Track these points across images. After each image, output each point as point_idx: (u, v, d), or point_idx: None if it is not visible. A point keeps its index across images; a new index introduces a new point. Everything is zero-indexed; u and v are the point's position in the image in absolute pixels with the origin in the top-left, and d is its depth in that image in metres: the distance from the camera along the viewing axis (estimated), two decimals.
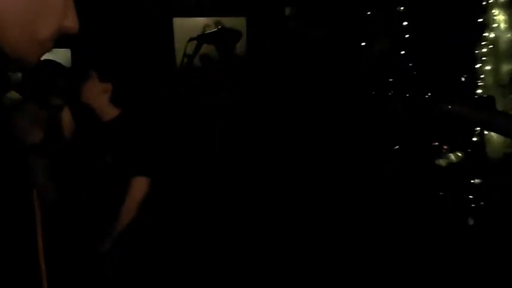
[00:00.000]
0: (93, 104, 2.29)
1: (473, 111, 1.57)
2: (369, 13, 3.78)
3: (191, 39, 3.35)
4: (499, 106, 3.46)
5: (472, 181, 3.34)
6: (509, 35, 3.51)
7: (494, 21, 3.54)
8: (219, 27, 3.58)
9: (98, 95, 2.28)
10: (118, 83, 2.42)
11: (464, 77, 3.52)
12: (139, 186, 2.18)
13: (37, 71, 2.36)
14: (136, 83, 3.33)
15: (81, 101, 2.28)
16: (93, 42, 4.05)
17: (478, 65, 3.57)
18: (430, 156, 3.27)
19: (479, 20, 3.57)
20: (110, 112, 2.31)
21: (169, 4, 4.06)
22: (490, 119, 1.88)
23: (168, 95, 3.68)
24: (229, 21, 4.06)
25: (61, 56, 4.11)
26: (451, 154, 3.26)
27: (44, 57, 0.74)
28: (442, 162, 3.32)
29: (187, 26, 4.08)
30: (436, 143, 3.18)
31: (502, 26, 3.53)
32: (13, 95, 2.64)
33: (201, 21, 4.10)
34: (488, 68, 3.55)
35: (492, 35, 3.54)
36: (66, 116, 2.47)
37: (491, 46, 3.55)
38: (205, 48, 3.77)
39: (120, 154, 2.19)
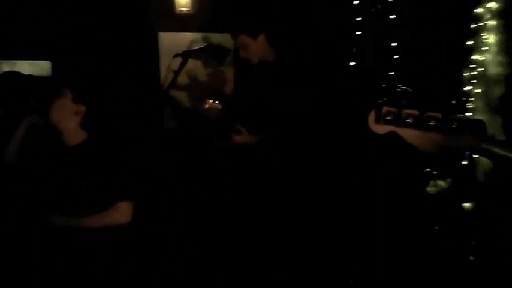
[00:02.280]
0: (61, 126, 2.14)
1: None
2: (358, 33, 3.74)
3: (176, 55, 3.25)
4: (489, 130, 3.43)
5: (462, 206, 3.29)
6: (498, 59, 3.49)
7: (483, 44, 3.52)
8: (206, 43, 3.49)
9: (69, 116, 2.14)
10: (93, 104, 2.30)
11: (454, 100, 3.47)
12: (121, 212, 2.07)
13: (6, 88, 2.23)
14: (116, 102, 3.23)
15: (49, 121, 2.13)
16: (73, 55, 3.93)
17: (467, 88, 3.54)
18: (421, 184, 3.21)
19: (468, 43, 3.55)
20: (77, 136, 2.15)
21: (154, 18, 3.96)
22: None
23: (154, 113, 3.57)
24: (217, 38, 3.97)
25: (41, 68, 3.97)
26: (440, 180, 3.21)
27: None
28: (431, 189, 3.26)
29: (174, 41, 3.98)
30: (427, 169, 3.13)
31: (492, 49, 3.51)
32: None
33: (188, 36, 4.00)
34: (477, 91, 3.52)
35: (482, 58, 3.52)
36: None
37: (481, 69, 3.53)
38: (192, 64, 3.67)
39: (96, 181, 2.06)
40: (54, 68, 3.95)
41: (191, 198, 3.05)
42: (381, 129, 1.20)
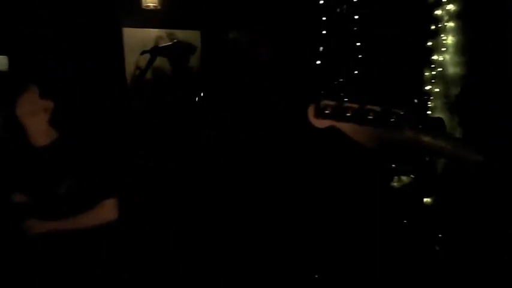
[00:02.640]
0: (29, 124, 1.98)
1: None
2: (324, 32, 3.80)
3: (144, 52, 3.19)
4: (447, 128, 3.59)
5: (424, 200, 3.42)
6: (456, 59, 3.65)
7: (442, 45, 3.67)
8: (175, 40, 3.46)
9: (37, 113, 1.99)
10: (61, 100, 2.16)
11: (416, 99, 3.61)
12: (107, 210, 2.00)
13: None
14: (82, 100, 3.13)
15: (13, 119, 1.97)
16: (33, 50, 3.79)
17: (428, 87, 3.68)
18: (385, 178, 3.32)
19: (428, 44, 3.70)
20: (46, 135, 2.02)
21: (118, 14, 3.88)
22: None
23: (119, 110, 3.49)
24: (183, 34, 3.93)
25: None
26: (403, 176, 3.33)
27: None
28: (395, 184, 3.38)
29: (139, 38, 3.91)
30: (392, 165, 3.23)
31: (450, 50, 3.67)
32: None
33: (153, 32, 3.94)
34: (437, 90, 3.67)
35: (441, 58, 3.67)
36: None
37: (440, 69, 3.68)
38: (158, 61, 3.62)
39: (77, 181, 1.99)
40: (11, 62, 3.79)
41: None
42: (321, 123, 1.18)
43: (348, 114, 1.16)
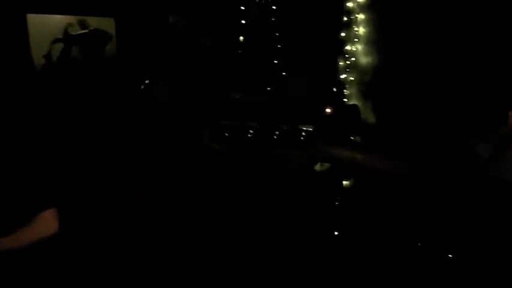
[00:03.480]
0: None
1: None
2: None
3: (57, 41, 2.95)
4: (362, 114, 3.83)
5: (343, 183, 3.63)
6: (367, 49, 3.89)
7: (355, 36, 3.89)
8: (91, 28, 3.24)
9: None
10: None
11: (335, 88, 3.79)
12: (46, 222, 1.77)
13: None
14: None
15: None
16: None
17: (343, 76, 3.89)
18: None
19: (342, 35, 3.89)
20: None
21: None
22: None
23: (27, 101, 3.19)
24: (95, 21, 3.70)
25: None
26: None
27: None
28: (317, 168, 3.53)
29: (46, 25, 3.60)
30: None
31: (361, 40, 3.90)
32: None
33: (61, 19, 3.65)
34: (351, 78, 3.89)
35: (354, 48, 3.89)
36: None
37: (353, 59, 3.90)
38: (73, 49, 3.38)
39: (10, 192, 1.73)
40: None
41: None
42: None
43: None
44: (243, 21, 3.86)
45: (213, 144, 3.23)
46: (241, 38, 3.74)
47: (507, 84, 3.50)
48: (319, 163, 3.49)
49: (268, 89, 4.00)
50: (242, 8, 3.87)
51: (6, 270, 1.73)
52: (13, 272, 1.74)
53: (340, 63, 3.92)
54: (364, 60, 3.91)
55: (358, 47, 3.91)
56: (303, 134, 3.43)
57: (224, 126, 3.37)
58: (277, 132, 3.44)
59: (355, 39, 3.89)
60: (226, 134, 3.33)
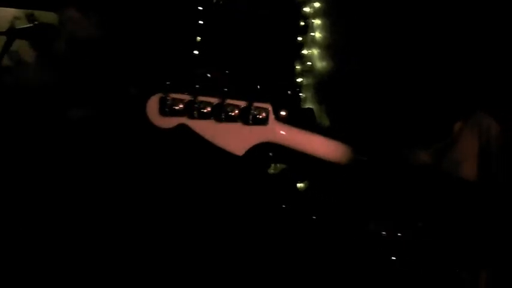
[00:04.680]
0: None
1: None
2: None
3: None
4: (316, 117, 3.86)
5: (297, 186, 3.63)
6: (323, 54, 3.93)
7: (311, 40, 3.92)
8: (36, 22, 3.11)
9: None
10: None
11: (289, 91, 3.80)
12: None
13: None
14: None
15: None
16: None
17: (299, 80, 3.91)
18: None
19: (298, 39, 3.92)
20: None
21: None
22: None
23: None
24: (45, 16, 3.56)
25: None
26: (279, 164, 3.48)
27: None
28: (271, 171, 3.52)
29: None
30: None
31: (318, 45, 3.94)
32: None
33: (8, 12, 3.50)
34: (307, 83, 3.91)
35: (310, 52, 3.92)
36: None
37: (309, 63, 3.92)
38: (17, 44, 3.23)
39: None
40: None
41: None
42: (167, 122, 0.93)
43: (203, 111, 0.92)
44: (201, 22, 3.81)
45: None
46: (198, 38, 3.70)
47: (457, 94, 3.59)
48: (273, 165, 3.49)
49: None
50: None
51: None
52: None
53: (296, 67, 3.94)
54: (319, 64, 3.94)
55: (314, 52, 3.94)
56: None
57: None
58: None
59: (312, 44, 3.92)
60: None
